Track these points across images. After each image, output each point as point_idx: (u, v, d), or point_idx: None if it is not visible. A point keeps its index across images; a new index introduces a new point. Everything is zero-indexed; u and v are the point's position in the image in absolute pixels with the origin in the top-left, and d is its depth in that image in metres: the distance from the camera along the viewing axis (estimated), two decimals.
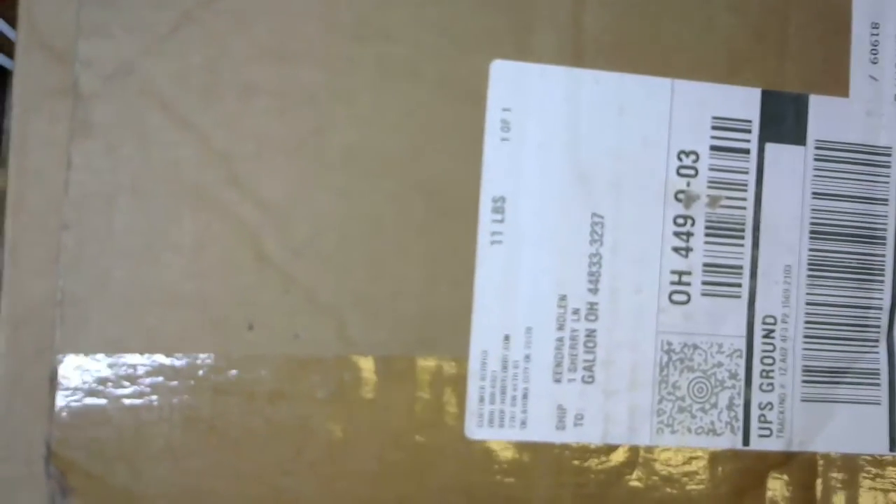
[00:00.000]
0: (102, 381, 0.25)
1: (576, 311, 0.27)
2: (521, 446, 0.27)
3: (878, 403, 0.29)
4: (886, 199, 0.29)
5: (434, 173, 0.27)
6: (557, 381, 0.27)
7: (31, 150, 0.24)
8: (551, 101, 0.27)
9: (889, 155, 0.30)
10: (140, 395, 0.25)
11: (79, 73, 0.25)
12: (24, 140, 0.24)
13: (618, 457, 0.28)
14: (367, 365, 0.26)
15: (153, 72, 0.25)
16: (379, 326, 0.26)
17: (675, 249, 0.28)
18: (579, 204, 0.27)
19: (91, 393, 0.25)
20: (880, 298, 0.29)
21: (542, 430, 0.27)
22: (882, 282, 0.29)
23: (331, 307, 0.26)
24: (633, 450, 0.28)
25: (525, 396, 0.27)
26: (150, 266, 0.25)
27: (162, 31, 0.25)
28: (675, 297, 0.28)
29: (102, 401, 0.25)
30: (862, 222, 0.29)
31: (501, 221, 0.27)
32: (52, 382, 0.24)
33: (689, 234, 0.28)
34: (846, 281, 0.29)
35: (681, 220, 0.28)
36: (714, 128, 0.28)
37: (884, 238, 0.29)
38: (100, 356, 0.25)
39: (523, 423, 0.27)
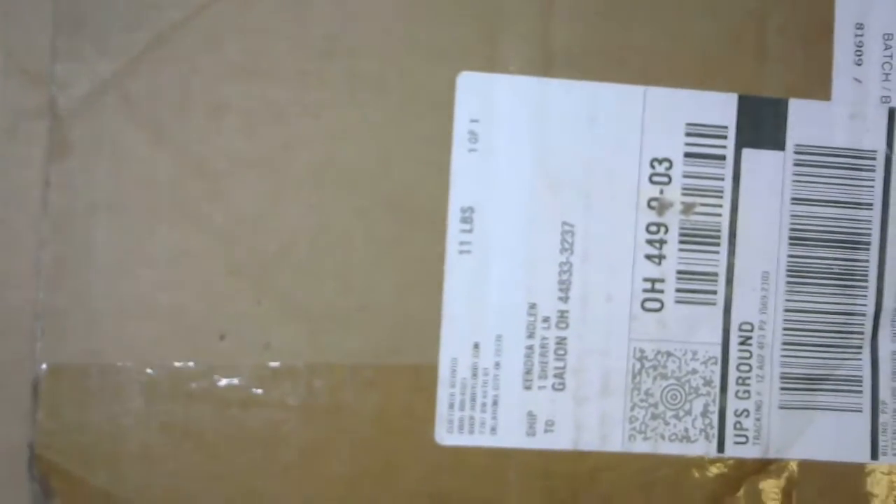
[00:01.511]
0: (82, 388, 0.27)
1: (546, 319, 0.29)
2: (492, 452, 0.28)
3: (860, 411, 0.30)
4: (871, 204, 0.30)
5: (403, 185, 0.28)
6: (528, 388, 0.29)
7: (9, 170, 0.26)
8: (520, 112, 0.29)
9: (873, 159, 0.30)
10: (118, 401, 0.27)
11: (55, 95, 0.27)
12: (3, 160, 0.26)
13: (589, 463, 0.29)
14: (338, 372, 0.28)
15: (127, 91, 0.27)
16: (350, 335, 0.28)
17: (648, 257, 0.29)
18: (549, 213, 0.29)
19: (71, 400, 0.27)
20: (864, 304, 0.30)
21: (512, 437, 0.29)
22: (865, 287, 0.30)
23: (302, 316, 0.28)
24: (605, 456, 0.29)
25: (495, 403, 0.28)
26: (126, 279, 0.27)
27: (135, 52, 0.27)
28: (648, 305, 0.29)
29: (82, 407, 0.27)
30: (844, 227, 0.30)
31: (470, 231, 0.28)
32: (35, 390, 0.27)
33: (662, 242, 0.29)
34: (827, 287, 0.30)
35: (654, 228, 0.29)
36: (688, 134, 0.29)
37: (867, 243, 0.30)
38: (79, 365, 0.27)
39: (493, 429, 0.28)
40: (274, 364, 0.28)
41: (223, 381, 0.27)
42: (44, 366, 0.27)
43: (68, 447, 0.27)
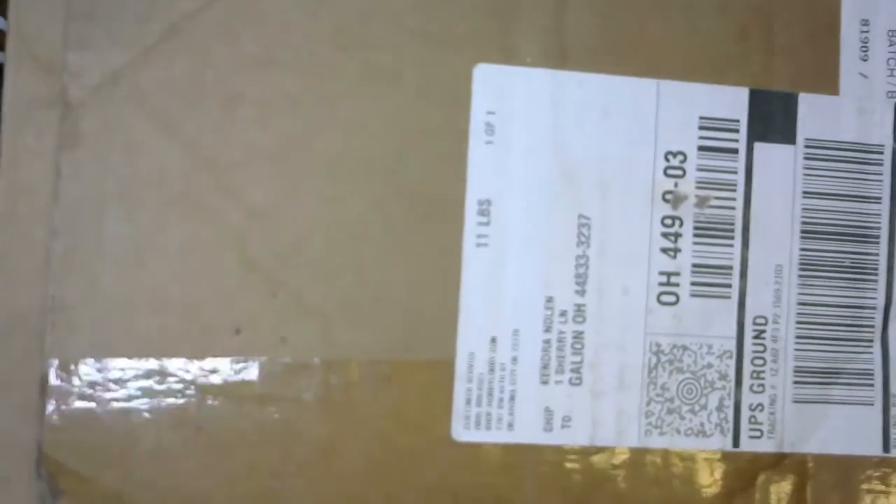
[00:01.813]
0: (92, 385, 0.27)
1: (563, 313, 0.29)
2: (509, 448, 0.29)
3: (872, 404, 0.31)
4: (879, 198, 0.31)
5: (419, 178, 0.28)
6: (545, 382, 0.29)
7: (20, 161, 0.26)
8: (536, 104, 0.29)
9: (881, 153, 0.31)
10: (129, 398, 0.27)
11: (67, 85, 0.27)
12: (14, 150, 0.26)
13: (606, 458, 0.29)
14: (354, 368, 0.28)
15: (140, 82, 0.27)
16: (365, 330, 0.28)
17: (664, 250, 0.29)
18: (565, 206, 0.29)
19: (81, 397, 0.26)
20: (874, 298, 0.31)
21: (529, 433, 0.29)
22: (875, 281, 0.31)
23: (317, 311, 0.28)
24: (622, 451, 0.29)
25: (512, 398, 0.29)
26: (138, 272, 0.27)
27: (148, 42, 0.27)
28: (664, 299, 0.29)
29: (92, 404, 0.27)
30: (854, 221, 0.31)
31: (487, 224, 0.28)
32: (43, 387, 0.26)
33: (677, 235, 0.29)
34: (838, 280, 0.30)
35: (669, 221, 0.29)
36: (701, 128, 0.30)
37: (877, 237, 0.31)
38: (89, 361, 0.27)
39: (510, 425, 0.29)
40: (289, 360, 0.28)
41: (237, 378, 0.27)
42: (53, 361, 0.26)
43: (77, 446, 0.27)
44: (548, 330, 0.29)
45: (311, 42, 0.28)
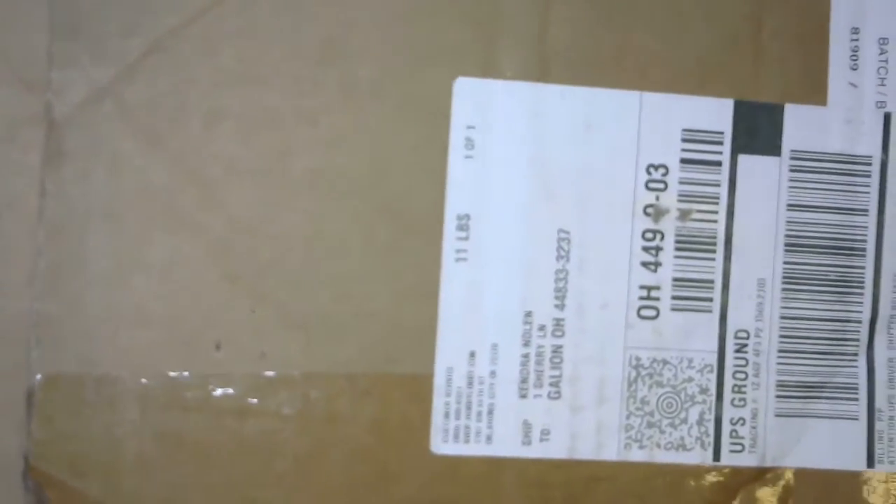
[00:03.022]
0: (77, 398, 0.31)
1: (542, 328, 0.33)
2: (487, 461, 0.33)
3: (856, 419, 0.34)
4: (866, 210, 0.34)
5: (399, 192, 0.32)
6: (523, 396, 0.33)
7: (4, 178, 0.30)
8: (516, 118, 0.33)
9: (869, 164, 0.34)
10: (112, 411, 0.31)
11: (51, 102, 0.31)
12: None
13: (585, 472, 0.33)
14: (333, 382, 0.32)
15: (123, 99, 0.31)
16: (345, 344, 0.32)
17: (644, 264, 0.33)
18: (545, 220, 0.33)
19: (66, 410, 0.31)
20: (859, 311, 0.34)
21: (507, 446, 0.33)
22: (861, 294, 0.34)
23: (297, 325, 0.32)
24: (601, 465, 0.33)
25: (490, 412, 0.33)
26: (121, 288, 0.31)
27: (131, 59, 0.31)
28: (644, 313, 0.33)
29: (77, 417, 0.31)
30: (840, 234, 0.34)
31: (466, 239, 0.32)
32: (29, 400, 0.30)
33: (658, 249, 0.33)
34: (823, 294, 0.34)
35: (650, 235, 0.33)
36: (684, 140, 0.34)
37: (863, 249, 0.34)
38: (74, 375, 0.31)
39: (489, 438, 0.33)
40: (269, 373, 0.32)
41: (218, 391, 0.31)
42: (38, 375, 0.31)
43: (63, 458, 0.31)
44: (526, 344, 0.33)
45: (293, 57, 0.32)
